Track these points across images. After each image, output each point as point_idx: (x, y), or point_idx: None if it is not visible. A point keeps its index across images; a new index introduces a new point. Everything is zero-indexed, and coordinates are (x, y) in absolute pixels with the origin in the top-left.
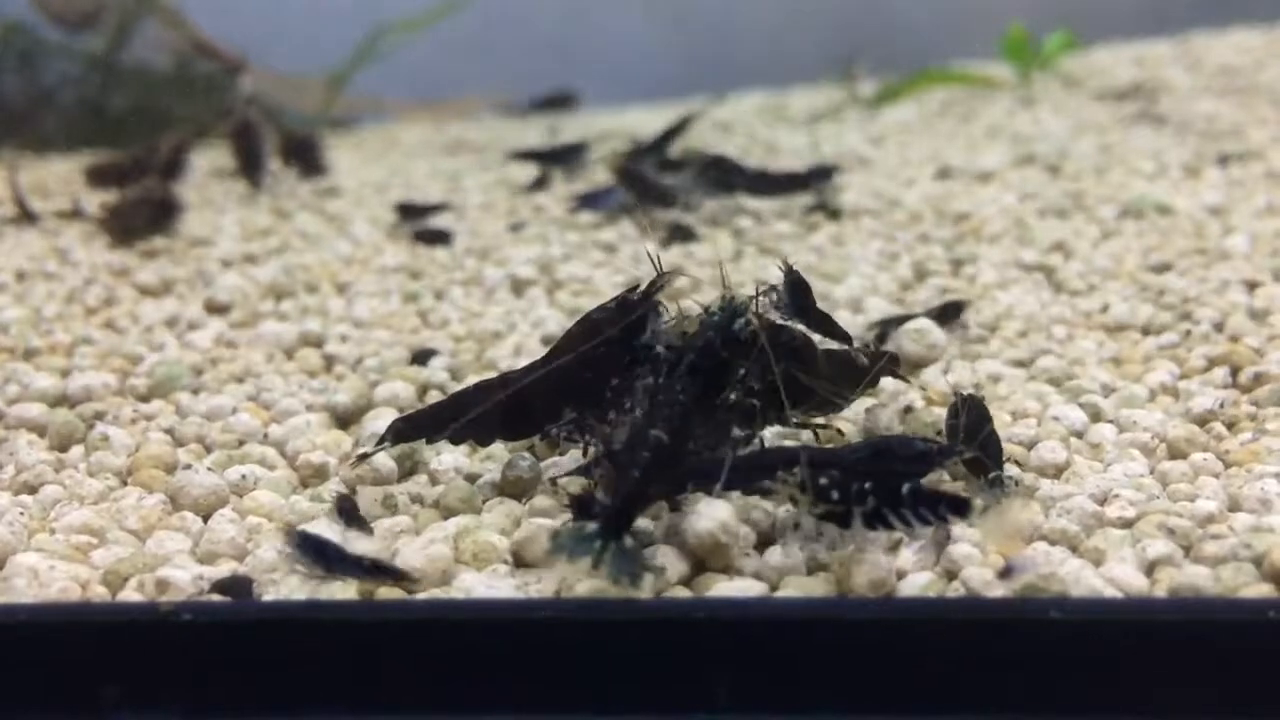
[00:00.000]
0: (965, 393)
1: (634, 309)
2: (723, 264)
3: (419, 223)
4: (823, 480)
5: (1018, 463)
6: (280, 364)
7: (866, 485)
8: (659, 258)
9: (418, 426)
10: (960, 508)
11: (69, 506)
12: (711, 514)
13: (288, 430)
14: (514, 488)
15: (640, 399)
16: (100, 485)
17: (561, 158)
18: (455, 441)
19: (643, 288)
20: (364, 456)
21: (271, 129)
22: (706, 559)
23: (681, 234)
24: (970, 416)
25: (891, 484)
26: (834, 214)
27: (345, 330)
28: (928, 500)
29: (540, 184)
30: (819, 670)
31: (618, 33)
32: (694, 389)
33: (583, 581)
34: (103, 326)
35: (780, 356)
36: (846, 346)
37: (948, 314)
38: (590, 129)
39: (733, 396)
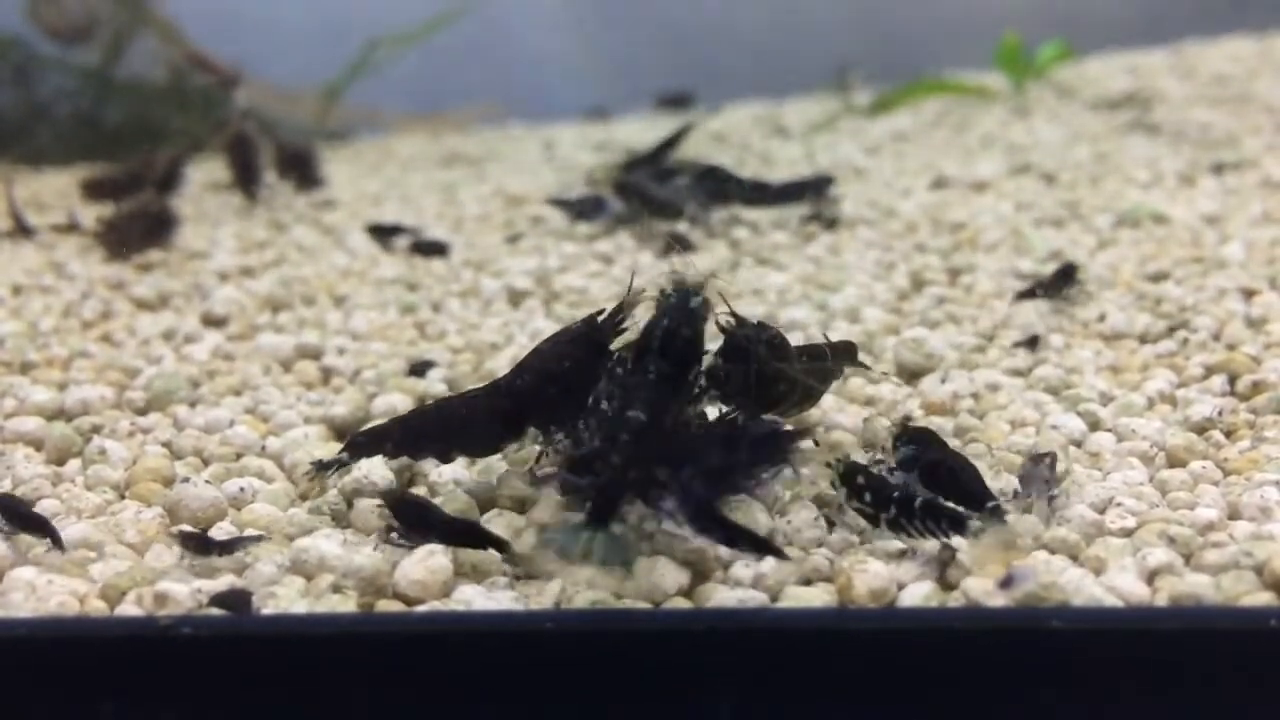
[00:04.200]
0: (912, 423)
1: (599, 333)
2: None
3: (388, 241)
4: (860, 480)
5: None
6: (278, 376)
7: (894, 494)
8: (630, 281)
9: (376, 441)
10: (959, 525)
11: (67, 520)
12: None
13: (286, 443)
14: (514, 500)
15: (609, 390)
16: (98, 499)
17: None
18: (414, 457)
19: (606, 313)
20: (323, 466)
21: (267, 142)
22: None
23: (679, 245)
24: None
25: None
26: (830, 224)
27: (343, 342)
28: (933, 514)
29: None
30: (820, 680)
31: (611, 45)
32: (664, 367)
33: (575, 575)
34: (99, 340)
35: (757, 352)
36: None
37: (1064, 278)
38: (589, 139)
39: (701, 378)
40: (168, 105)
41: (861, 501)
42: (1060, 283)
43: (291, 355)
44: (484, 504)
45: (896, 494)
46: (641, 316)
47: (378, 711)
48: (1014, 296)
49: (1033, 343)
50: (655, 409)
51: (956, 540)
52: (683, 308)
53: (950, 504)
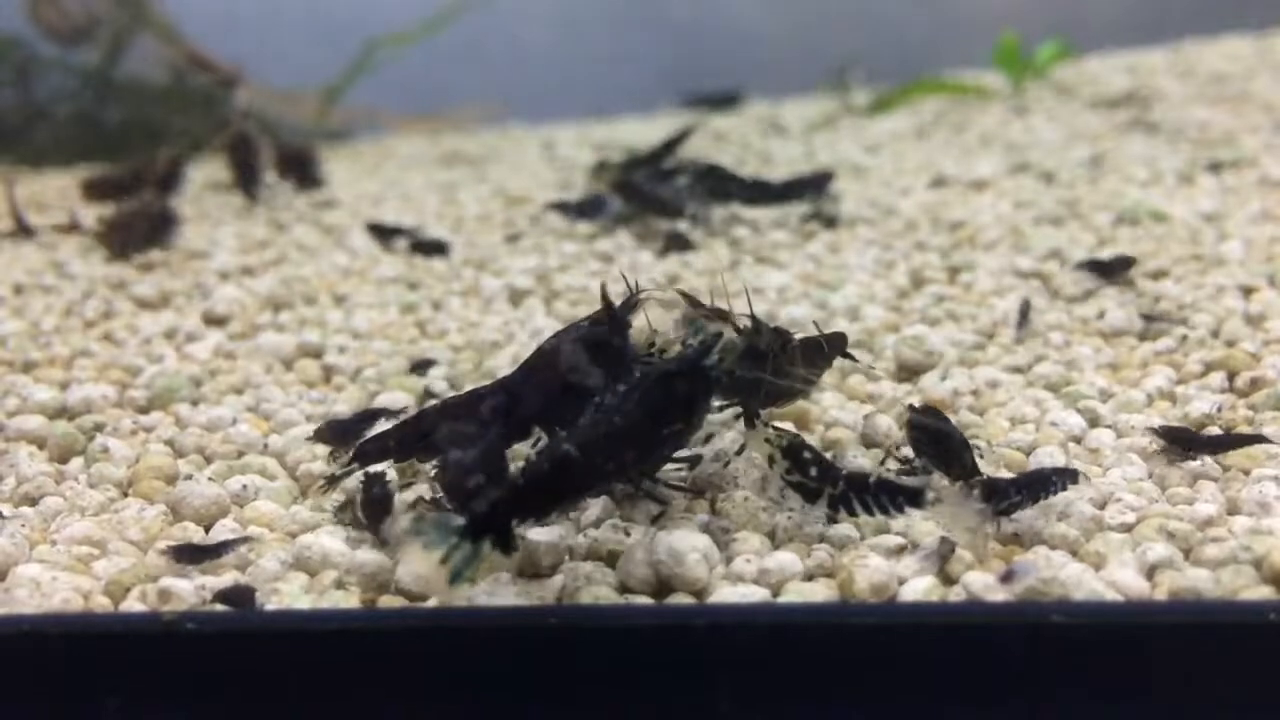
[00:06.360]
0: (919, 404)
1: (607, 330)
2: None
3: (389, 240)
4: (806, 455)
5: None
6: (279, 375)
7: (844, 471)
8: (635, 282)
9: (384, 447)
10: (915, 498)
11: (70, 518)
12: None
13: (288, 441)
14: None
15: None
16: (101, 497)
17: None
18: (421, 460)
19: (617, 307)
20: (333, 480)
21: (267, 142)
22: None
23: (678, 243)
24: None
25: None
26: (830, 223)
27: (344, 341)
28: (888, 490)
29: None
30: (822, 675)
31: (611, 45)
32: (636, 416)
33: (415, 570)
34: (101, 339)
35: (770, 369)
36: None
37: (1118, 266)
38: (589, 139)
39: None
40: (168, 105)
41: (805, 475)
42: (1118, 268)
43: (293, 354)
44: None
45: (845, 470)
46: (642, 318)
47: (381, 707)
48: (1074, 265)
49: (1025, 311)
50: (595, 450)
51: (912, 513)
52: (690, 368)
53: (906, 481)
